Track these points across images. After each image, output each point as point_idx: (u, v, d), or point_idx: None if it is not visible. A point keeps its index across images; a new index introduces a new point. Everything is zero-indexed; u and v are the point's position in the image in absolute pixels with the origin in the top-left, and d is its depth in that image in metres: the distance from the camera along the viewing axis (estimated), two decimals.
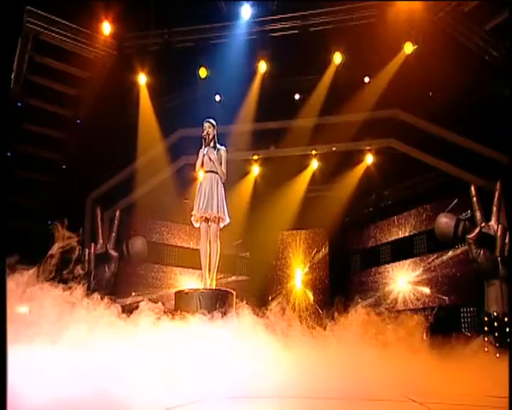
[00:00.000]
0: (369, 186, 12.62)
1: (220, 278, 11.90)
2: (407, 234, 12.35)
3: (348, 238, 13.54)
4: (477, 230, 10.30)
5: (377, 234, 13.05)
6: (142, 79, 11.49)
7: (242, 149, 11.92)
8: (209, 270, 7.13)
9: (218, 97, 12.23)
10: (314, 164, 12.69)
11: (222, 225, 7.22)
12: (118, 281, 11.53)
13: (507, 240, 10.04)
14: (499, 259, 10.07)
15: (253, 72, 11.40)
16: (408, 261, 12.28)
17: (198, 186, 7.27)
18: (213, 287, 7.09)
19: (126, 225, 12.18)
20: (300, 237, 13.98)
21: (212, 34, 11.05)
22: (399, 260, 12.47)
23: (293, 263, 14.00)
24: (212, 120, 7.39)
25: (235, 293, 6.84)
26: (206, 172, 7.24)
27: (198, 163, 7.26)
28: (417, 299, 11.82)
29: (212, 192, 7.12)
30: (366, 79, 11.58)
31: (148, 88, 11.53)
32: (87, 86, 11.51)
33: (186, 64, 11.35)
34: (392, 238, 12.74)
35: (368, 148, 12.02)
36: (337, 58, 11.02)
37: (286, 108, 11.82)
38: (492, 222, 10.27)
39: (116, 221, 11.81)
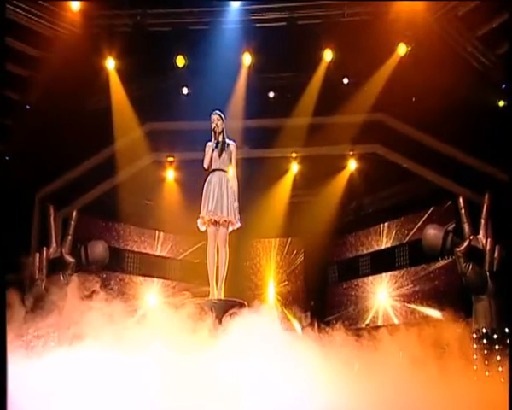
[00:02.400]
0: (351, 193, 12.02)
1: (191, 288, 10.89)
2: (389, 245, 11.87)
3: (326, 248, 12.79)
4: (466, 243, 9.98)
5: (357, 244, 12.44)
6: (109, 63, 10.17)
7: None
8: (217, 278, 6.53)
9: (185, 90, 11.14)
10: (294, 168, 11.89)
11: (231, 228, 6.54)
12: None
13: (496, 254, 9.79)
14: (488, 273, 9.82)
15: (235, 64, 10.41)
16: (389, 274, 11.76)
17: (205, 186, 6.49)
18: (221, 297, 6.43)
19: (84, 227, 10.77)
20: (275, 245, 13.15)
21: (192, 20, 10.00)
22: (380, 273, 11.91)
23: (266, 273, 13.12)
24: (220, 112, 6.70)
25: (246, 303, 6.17)
26: (215, 170, 6.52)
27: (206, 159, 6.51)
28: (400, 313, 11.34)
29: (222, 193, 6.42)
30: (345, 80, 11.02)
31: (117, 74, 10.24)
32: (41, 67, 10.08)
33: (159, 50, 10.17)
34: (373, 249, 12.17)
35: (351, 153, 11.42)
36: (327, 56, 10.29)
37: (268, 106, 10.95)
38: (481, 235, 10.00)
39: (72, 222, 10.37)
